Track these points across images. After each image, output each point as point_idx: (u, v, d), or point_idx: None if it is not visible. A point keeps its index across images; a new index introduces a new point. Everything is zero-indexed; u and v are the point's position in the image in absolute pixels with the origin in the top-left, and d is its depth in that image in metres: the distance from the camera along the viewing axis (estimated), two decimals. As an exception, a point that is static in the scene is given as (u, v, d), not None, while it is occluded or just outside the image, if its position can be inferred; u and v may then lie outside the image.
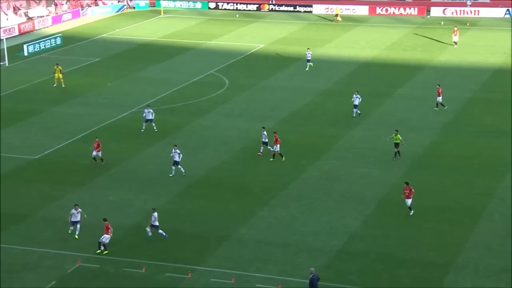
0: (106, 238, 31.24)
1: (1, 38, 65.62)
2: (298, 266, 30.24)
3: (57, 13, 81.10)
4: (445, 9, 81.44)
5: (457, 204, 35.94)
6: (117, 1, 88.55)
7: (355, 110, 48.05)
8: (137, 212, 35.23)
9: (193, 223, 34.11)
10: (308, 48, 60.38)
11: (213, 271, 29.98)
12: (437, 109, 49.39)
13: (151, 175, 39.55)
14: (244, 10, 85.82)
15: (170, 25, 78.80)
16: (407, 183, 34.56)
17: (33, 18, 78.18)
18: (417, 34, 71.82)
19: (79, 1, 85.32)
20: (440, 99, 49.37)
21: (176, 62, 63.80)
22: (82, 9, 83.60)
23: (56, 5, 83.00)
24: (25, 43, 67.27)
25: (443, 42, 68.23)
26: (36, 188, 37.67)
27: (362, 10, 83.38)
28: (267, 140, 41.65)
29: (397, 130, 41.45)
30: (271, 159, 41.19)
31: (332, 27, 77.24)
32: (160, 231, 32.33)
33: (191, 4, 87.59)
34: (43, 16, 79.33)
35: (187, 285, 29.06)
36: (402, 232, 33.28)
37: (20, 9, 79.26)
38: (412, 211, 34.58)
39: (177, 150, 38.96)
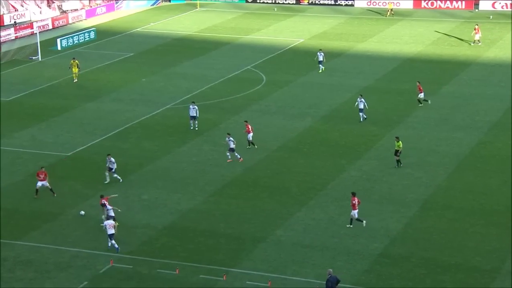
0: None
1: (35, 32, 66.58)
2: (337, 269, 30.12)
3: (91, 7, 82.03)
4: (494, 2, 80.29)
5: (504, 207, 35.44)
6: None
7: (361, 114, 47.05)
8: (171, 211, 35.47)
9: (228, 224, 34.23)
10: (320, 49, 58.83)
11: (249, 273, 30.04)
12: (421, 105, 49.42)
13: (185, 173, 39.78)
14: (283, 3, 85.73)
15: (206, 19, 79.12)
16: (353, 194, 33.75)
17: (67, 12, 79.17)
18: (464, 29, 70.93)
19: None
20: (422, 95, 49.60)
21: (212, 57, 64.04)
22: (116, 3, 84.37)
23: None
24: (59, 37, 68.18)
25: (491, 38, 67.28)
26: (68, 186, 38.16)
27: (406, 4, 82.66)
28: (234, 146, 40.87)
29: (397, 137, 40.36)
30: (248, 147, 42.12)
31: (375, 21, 76.72)
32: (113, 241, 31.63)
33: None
34: (77, 10, 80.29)
35: (222, 287, 29.17)
36: (446, 236, 32.94)
37: (54, 3, 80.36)
38: (364, 221, 33.60)
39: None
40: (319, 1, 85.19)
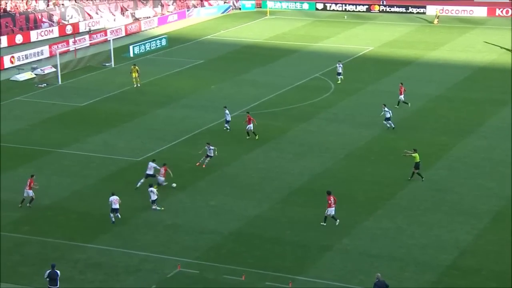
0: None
1: (108, 39, 68.05)
2: (404, 280, 29.72)
3: (163, 14, 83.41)
4: None
5: None
6: (223, 2, 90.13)
7: (389, 122, 46.15)
8: (238, 218, 35.65)
9: (294, 232, 34.18)
10: (339, 61, 58.02)
11: (314, 281, 29.91)
12: (397, 106, 50.03)
13: (252, 180, 39.94)
14: (353, 11, 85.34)
15: (275, 26, 79.39)
16: (329, 193, 34.09)
17: (139, 19, 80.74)
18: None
19: (185, 2, 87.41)
20: (402, 97, 50.21)
21: (281, 64, 64.18)
22: (188, 10, 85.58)
23: (162, 6, 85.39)
24: (131, 44, 69.53)
25: None
26: (138, 190, 38.79)
27: (480, 12, 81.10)
28: (212, 154, 41.11)
29: (415, 149, 39.25)
30: (247, 137, 43.97)
31: (447, 29, 75.53)
32: (118, 214, 34.95)
33: (298, 5, 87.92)
34: (149, 17, 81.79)
35: (287, 295, 29.15)
36: (518, 249, 32.09)
37: (127, 10, 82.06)
38: (338, 221, 33.89)
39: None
40: (390, 9, 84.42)
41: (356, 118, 49.77)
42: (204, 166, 41.05)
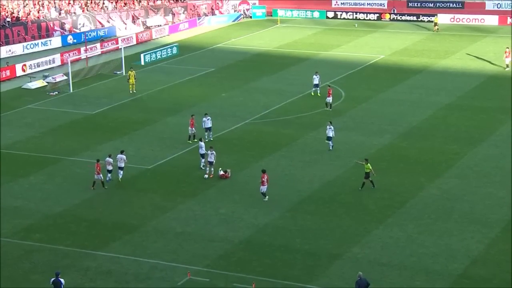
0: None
1: (120, 47, 68.33)
2: (415, 290, 29.58)
3: (174, 23, 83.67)
4: None
5: None
6: (233, 10, 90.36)
7: (329, 142, 44.43)
8: (248, 226, 35.61)
9: (304, 240, 34.10)
10: (316, 72, 57.13)
11: (324, 290, 29.82)
12: (327, 109, 51.88)
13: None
14: (364, 19, 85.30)
15: (286, 34, 79.47)
16: (264, 171, 37.30)
17: (150, 28, 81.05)
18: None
19: (196, 11, 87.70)
20: (329, 99, 52.04)
21: (291, 72, 64.19)
22: (198, 19, 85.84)
23: (173, 14, 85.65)
24: (142, 52, 69.75)
25: None
26: (148, 198, 38.86)
27: (491, 20, 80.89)
28: (213, 160, 40.88)
29: (366, 159, 39.16)
30: (188, 141, 45.90)
31: (458, 37, 75.38)
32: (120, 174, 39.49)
33: (308, 13, 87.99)
34: (160, 26, 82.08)
35: (297, 303, 29.06)
36: (530, 258, 31.88)
37: (138, 19, 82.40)
38: (267, 197, 36.99)
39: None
40: (400, 18, 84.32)
41: (366, 126, 49.66)
42: (211, 176, 40.98)
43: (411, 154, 44.01)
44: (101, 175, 39.46)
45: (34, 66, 65.26)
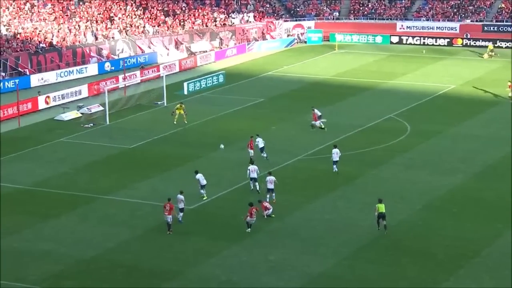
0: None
1: (161, 75, 69.20)
2: None
3: (221, 48, 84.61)
4: None
5: None
6: (286, 35, 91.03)
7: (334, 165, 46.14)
8: (300, 275, 35.44)
9: (364, 292, 33.81)
10: (312, 107, 57.41)
11: None
12: (313, 130, 54.77)
13: (316, 233, 39.75)
14: (433, 45, 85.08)
15: (345, 61, 79.69)
16: (251, 204, 38.97)
17: (195, 54, 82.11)
18: None
19: (245, 35, 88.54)
20: (315, 123, 54.76)
21: (350, 104, 64.20)
22: (248, 44, 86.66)
23: (221, 39, 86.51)
24: (186, 80, 70.65)
25: None
26: (190, 242, 39.01)
27: None
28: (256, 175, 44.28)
29: (380, 200, 39.08)
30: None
31: (539, 64, 74.46)
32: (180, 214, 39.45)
33: (370, 38, 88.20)
34: (206, 51, 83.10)
35: None
36: None
37: (182, 44, 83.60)
38: (249, 229, 38.46)
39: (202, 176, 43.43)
40: (474, 43, 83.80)
41: (435, 164, 49.27)
42: (274, 202, 42.25)
43: (486, 197, 43.41)
44: (171, 216, 39.54)
45: (59, 98, 65.06)
